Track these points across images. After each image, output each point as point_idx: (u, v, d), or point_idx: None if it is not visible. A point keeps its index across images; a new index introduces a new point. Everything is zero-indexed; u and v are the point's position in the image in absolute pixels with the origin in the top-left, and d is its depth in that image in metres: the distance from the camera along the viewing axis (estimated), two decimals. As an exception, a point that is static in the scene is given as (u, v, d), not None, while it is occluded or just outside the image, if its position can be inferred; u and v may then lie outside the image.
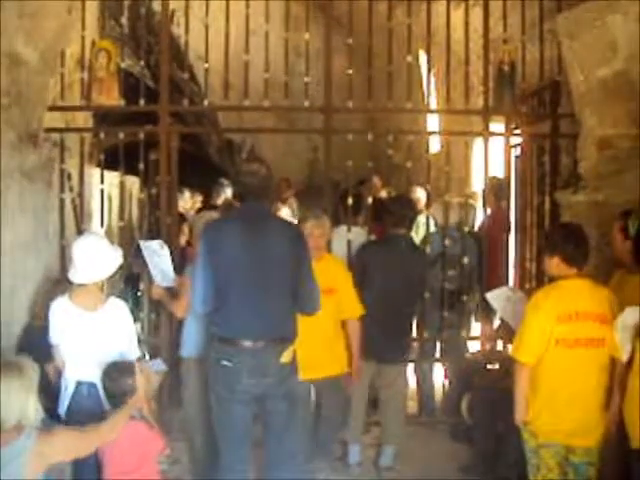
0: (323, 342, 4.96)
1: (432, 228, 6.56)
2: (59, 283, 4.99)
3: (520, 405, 4.06)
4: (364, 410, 5.60)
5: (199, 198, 8.65)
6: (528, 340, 3.99)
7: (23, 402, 3.19)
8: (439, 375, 6.64)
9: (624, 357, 3.88)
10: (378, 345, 5.34)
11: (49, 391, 4.57)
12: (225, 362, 4.05)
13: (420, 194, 7.33)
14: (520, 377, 4.04)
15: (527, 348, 3.99)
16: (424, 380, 6.52)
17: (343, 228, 6.09)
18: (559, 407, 3.97)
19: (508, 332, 5.18)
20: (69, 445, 3.41)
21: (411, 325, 5.82)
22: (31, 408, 3.22)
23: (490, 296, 5.03)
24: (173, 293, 5.04)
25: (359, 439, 5.57)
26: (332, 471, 5.40)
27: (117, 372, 4.01)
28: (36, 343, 4.66)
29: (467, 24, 6.17)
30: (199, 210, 8.35)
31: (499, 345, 6.41)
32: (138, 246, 5.31)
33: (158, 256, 5.05)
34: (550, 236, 4.45)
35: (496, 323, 6.45)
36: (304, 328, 4.31)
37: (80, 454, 3.58)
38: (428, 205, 7.07)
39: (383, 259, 5.42)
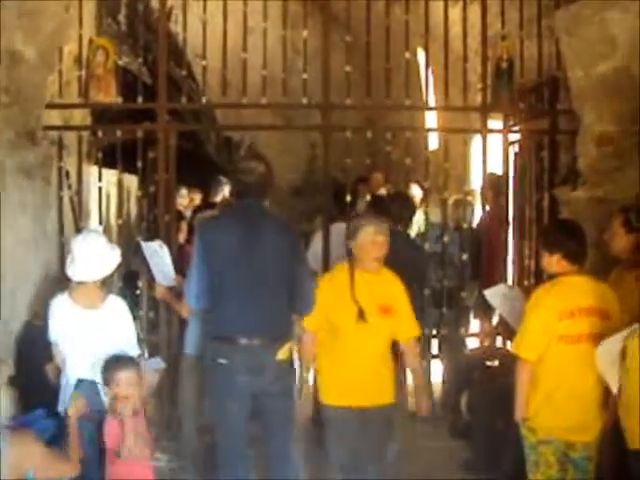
0: (375, 366, 4.29)
1: (428, 225, 6.55)
2: (60, 282, 4.98)
3: (520, 402, 4.06)
4: None
5: (197, 196, 8.65)
6: (529, 337, 3.99)
7: None
8: (437, 372, 6.64)
9: (615, 389, 3.83)
10: None
11: (48, 390, 4.59)
12: (221, 360, 4.05)
13: (415, 191, 7.33)
14: (521, 374, 4.03)
15: (529, 345, 3.99)
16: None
17: (338, 225, 6.08)
18: (559, 403, 3.97)
19: (507, 329, 5.18)
20: (35, 459, 3.38)
21: None
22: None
23: (488, 293, 5.04)
24: (176, 293, 5.05)
25: None
26: (332, 469, 5.39)
27: (116, 363, 4.05)
28: (36, 342, 4.67)
29: (465, 20, 6.16)
30: (197, 208, 8.35)
31: (498, 342, 6.41)
32: (138, 244, 5.30)
33: (158, 256, 5.05)
34: (549, 233, 4.44)
35: (495, 320, 6.46)
36: (353, 349, 4.20)
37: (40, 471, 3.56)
38: (425, 202, 7.06)
39: None
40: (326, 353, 4.33)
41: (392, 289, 4.38)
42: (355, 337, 4.19)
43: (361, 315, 4.14)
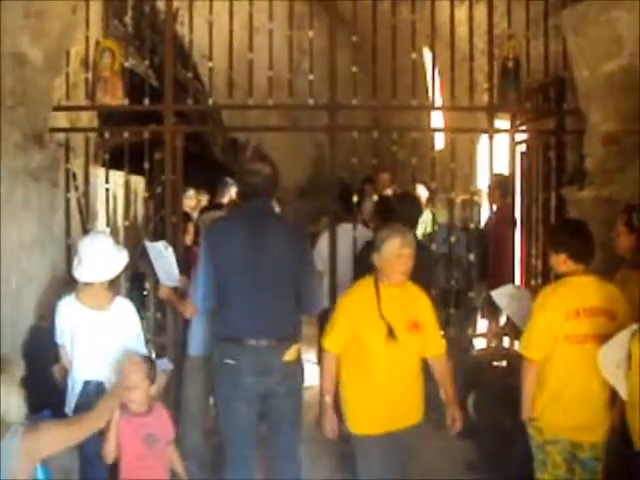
0: (408, 387, 4.17)
1: (435, 226, 6.55)
2: (67, 284, 4.99)
3: (527, 401, 4.05)
4: None
5: (204, 197, 8.65)
6: (536, 337, 3.99)
7: (5, 399, 3.18)
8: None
9: (623, 393, 3.80)
10: None
11: (56, 391, 4.60)
12: (229, 361, 4.05)
13: (421, 192, 7.32)
14: (528, 374, 4.03)
15: (535, 345, 3.99)
16: (429, 377, 6.51)
17: (345, 226, 6.07)
18: (566, 403, 3.96)
19: (514, 329, 5.17)
20: (56, 438, 3.39)
21: None
22: (14, 405, 3.21)
23: (495, 294, 5.03)
24: (180, 293, 5.05)
25: None
26: (336, 469, 5.40)
27: (126, 356, 4.09)
28: (43, 344, 4.68)
29: (471, 20, 6.14)
30: (203, 209, 8.35)
31: (505, 342, 6.40)
32: (144, 246, 5.31)
33: (163, 257, 5.06)
34: (555, 233, 4.44)
35: (502, 320, 6.45)
36: (384, 370, 4.02)
37: (68, 445, 3.57)
38: (432, 203, 7.06)
39: None
40: (352, 376, 4.10)
41: (419, 303, 4.21)
42: (385, 357, 3.99)
43: (390, 333, 3.95)
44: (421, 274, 5.47)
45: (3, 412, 3.16)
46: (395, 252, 4.01)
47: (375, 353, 3.99)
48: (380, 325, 3.96)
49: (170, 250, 5.08)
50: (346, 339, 4.05)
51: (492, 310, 6.36)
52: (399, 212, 5.47)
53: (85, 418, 3.65)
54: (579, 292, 3.95)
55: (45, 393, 4.66)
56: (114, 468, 4.23)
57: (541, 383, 4.02)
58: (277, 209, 7.08)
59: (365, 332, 4.00)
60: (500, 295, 4.96)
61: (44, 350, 4.71)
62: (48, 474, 3.41)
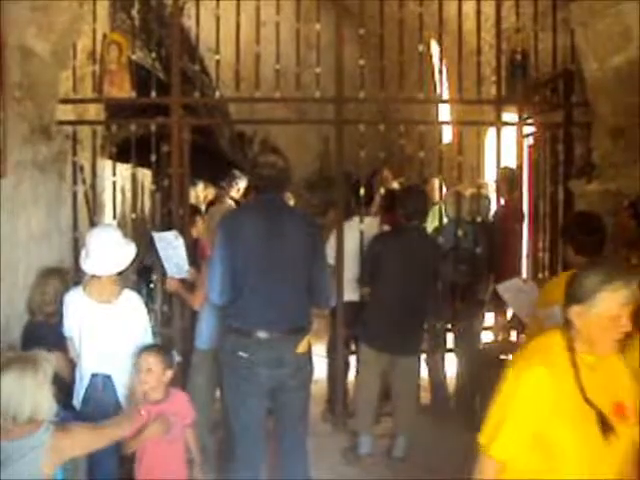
0: None
1: (443, 220, 6.54)
2: (51, 275, 4.98)
3: None
4: (375, 401, 5.59)
5: (211, 190, 8.66)
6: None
7: (36, 396, 3.19)
8: (452, 366, 6.64)
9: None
10: (391, 337, 5.34)
11: (62, 384, 4.62)
12: (241, 353, 4.04)
13: (437, 185, 7.30)
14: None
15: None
16: (437, 371, 6.52)
17: (355, 219, 6.08)
18: None
19: (520, 323, 5.17)
20: (85, 441, 3.42)
21: (424, 316, 5.76)
22: (45, 402, 3.22)
23: (501, 288, 5.03)
24: (188, 285, 5.05)
25: (370, 430, 5.56)
26: (342, 462, 5.42)
27: (143, 348, 4.14)
28: (36, 338, 4.71)
29: (479, 13, 6.12)
30: (211, 202, 8.36)
31: (512, 336, 6.39)
32: (152, 238, 5.31)
33: (172, 247, 5.06)
34: (565, 225, 4.44)
35: (509, 313, 6.44)
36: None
37: (93, 449, 3.59)
38: (440, 196, 7.05)
39: (395, 250, 5.39)
40: None
41: (622, 377, 2.75)
42: (599, 461, 2.56)
43: (605, 424, 2.55)
44: (427, 267, 5.51)
45: (35, 411, 3.17)
46: (615, 310, 2.57)
47: (580, 457, 2.56)
48: (586, 413, 2.56)
49: (181, 240, 5.09)
50: (523, 439, 2.63)
51: (498, 303, 6.34)
52: (406, 206, 5.47)
53: (112, 425, 3.67)
54: None
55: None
56: (121, 468, 4.28)
57: None
58: (291, 202, 7.12)
59: (559, 426, 2.57)
60: (505, 289, 4.96)
61: (39, 344, 4.73)
62: (63, 474, 3.43)
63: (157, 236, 5.20)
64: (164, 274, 5.33)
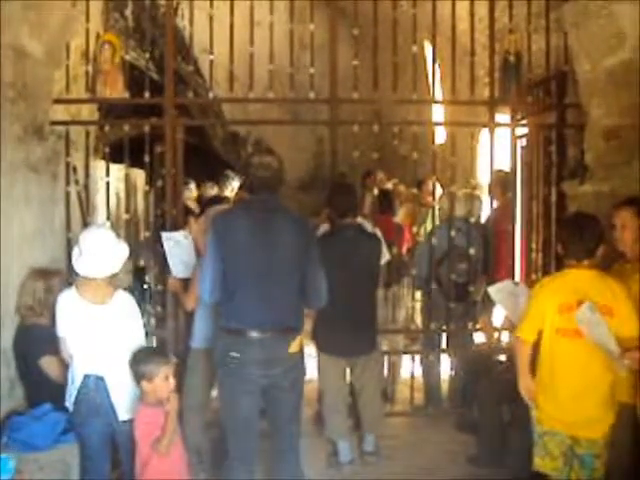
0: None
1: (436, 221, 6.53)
2: (39, 276, 4.98)
3: (523, 384, 4.09)
4: (342, 404, 5.51)
5: (207, 190, 8.65)
6: (528, 320, 4.05)
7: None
8: (445, 366, 6.64)
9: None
10: (342, 340, 5.29)
11: (51, 384, 4.62)
12: (233, 353, 4.05)
13: (431, 188, 7.29)
14: (520, 355, 4.10)
15: (526, 326, 4.06)
16: (430, 371, 6.53)
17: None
18: (562, 398, 3.96)
19: (511, 325, 5.17)
20: None
21: (374, 313, 5.56)
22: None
23: (492, 290, 5.04)
24: (185, 285, 5.06)
25: (345, 435, 5.44)
26: (331, 464, 5.41)
27: (144, 354, 4.15)
28: (28, 340, 4.71)
29: (472, 14, 6.14)
30: (206, 203, 8.34)
31: (505, 337, 6.40)
32: (159, 236, 5.32)
33: (180, 247, 5.08)
34: (559, 226, 4.46)
35: (496, 315, 6.46)
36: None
37: None
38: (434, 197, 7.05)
39: (333, 251, 5.15)
40: None
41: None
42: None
43: None
44: (370, 263, 5.43)
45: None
46: None
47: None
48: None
49: (190, 239, 5.10)
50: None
51: (486, 304, 6.35)
52: (336, 205, 5.40)
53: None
54: (575, 286, 3.93)
55: (44, 387, 4.70)
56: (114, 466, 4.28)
57: (537, 377, 4.06)
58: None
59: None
60: (497, 291, 4.97)
61: (32, 346, 4.73)
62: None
63: (165, 235, 5.22)
64: (165, 273, 5.33)
